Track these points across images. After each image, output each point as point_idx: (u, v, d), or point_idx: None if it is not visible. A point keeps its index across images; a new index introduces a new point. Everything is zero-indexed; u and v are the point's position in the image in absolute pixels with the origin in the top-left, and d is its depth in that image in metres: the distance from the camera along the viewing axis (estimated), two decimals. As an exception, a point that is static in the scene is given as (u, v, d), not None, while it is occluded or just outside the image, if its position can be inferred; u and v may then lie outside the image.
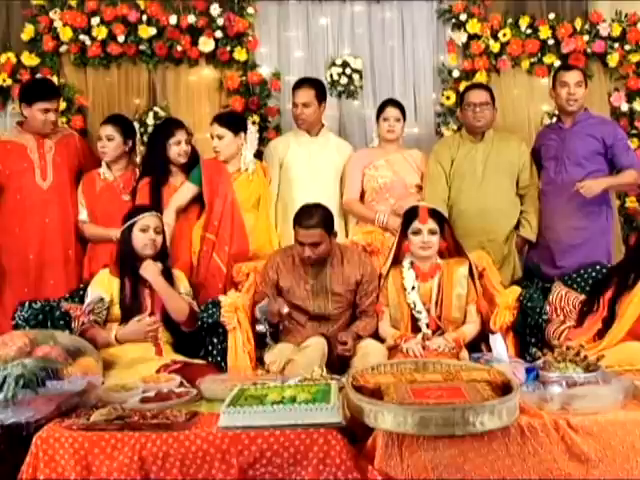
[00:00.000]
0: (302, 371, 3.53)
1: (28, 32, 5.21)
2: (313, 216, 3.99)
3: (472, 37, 5.39)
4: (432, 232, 4.09)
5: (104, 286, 3.98)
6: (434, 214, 4.15)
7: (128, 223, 4.07)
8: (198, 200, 4.60)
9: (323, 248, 4.01)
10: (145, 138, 5.03)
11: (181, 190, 4.58)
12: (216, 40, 5.27)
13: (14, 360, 3.09)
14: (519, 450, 2.94)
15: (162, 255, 4.13)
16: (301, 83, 4.87)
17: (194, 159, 4.67)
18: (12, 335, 3.36)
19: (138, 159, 4.82)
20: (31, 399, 3.01)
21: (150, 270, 4.00)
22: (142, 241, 4.01)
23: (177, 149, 4.56)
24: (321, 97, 4.86)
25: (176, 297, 4.03)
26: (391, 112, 4.77)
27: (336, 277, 4.10)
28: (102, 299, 3.93)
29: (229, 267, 4.47)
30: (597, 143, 4.62)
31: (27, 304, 3.99)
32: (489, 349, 3.72)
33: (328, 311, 4.10)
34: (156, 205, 4.35)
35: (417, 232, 4.10)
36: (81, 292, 4.16)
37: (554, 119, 5.12)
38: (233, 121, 4.63)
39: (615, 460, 2.96)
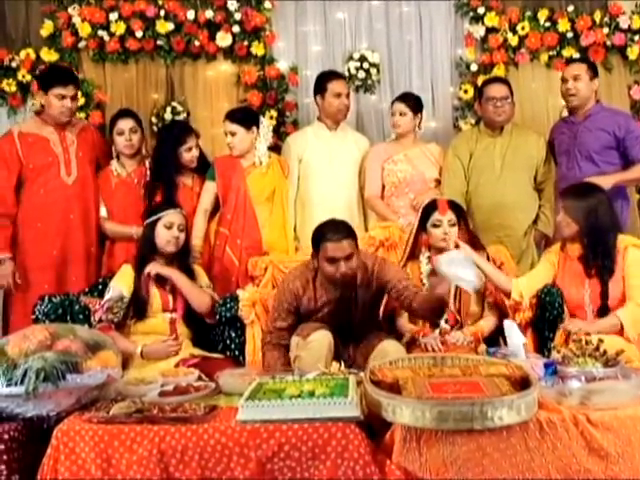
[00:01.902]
0: (319, 366, 3.52)
1: (47, 28, 5.24)
2: (340, 227, 3.81)
3: (490, 30, 5.37)
4: (452, 224, 4.09)
5: (127, 282, 3.98)
6: (452, 206, 4.14)
7: (152, 218, 4.07)
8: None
9: (355, 261, 3.78)
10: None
11: (203, 192, 4.63)
12: (233, 35, 5.28)
13: (35, 353, 3.10)
14: (538, 445, 2.91)
15: (184, 253, 4.13)
16: (337, 75, 4.93)
17: (201, 158, 4.71)
18: (33, 329, 3.36)
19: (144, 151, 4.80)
20: (52, 392, 3.03)
21: (161, 267, 4.01)
22: (165, 237, 4.01)
23: (188, 155, 4.60)
24: None
25: (197, 289, 4.04)
26: (396, 107, 4.82)
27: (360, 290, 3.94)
28: (122, 298, 3.90)
29: (242, 261, 4.47)
30: (608, 137, 4.59)
31: (47, 298, 4.00)
32: (507, 343, 3.69)
33: (353, 325, 3.94)
34: (171, 202, 4.37)
35: (437, 224, 4.09)
36: (100, 287, 4.17)
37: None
38: (244, 117, 4.64)
39: (635, 456, 2.93)
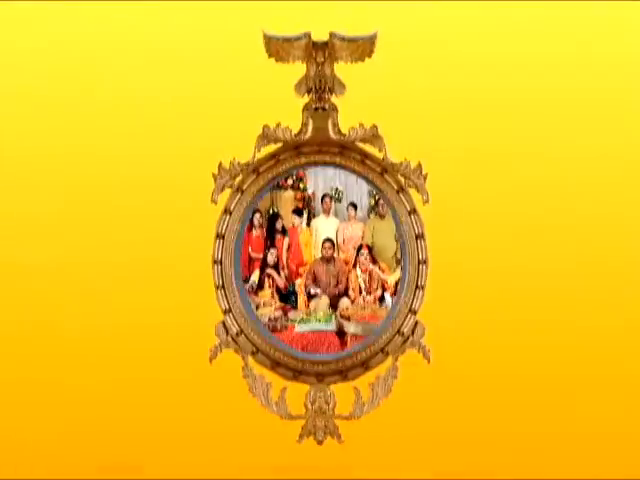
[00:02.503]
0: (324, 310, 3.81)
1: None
2: (328, 239, 4.14)
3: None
4: (368, 253, 4.22)
5: (257, 276, 4.19)
6: (368, 246, 4.25)
7: (266, 252, 4.28)
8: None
9: (332, 251, 4.12)
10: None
11: (284, 244, 4.65)
12: (293, 180, 5.18)
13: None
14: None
15: (276, 265, 4.30)
16: (329, 196, 4.70)
17: (283, 228, 4.78)
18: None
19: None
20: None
21: (270, 270, 4.20)
22: (270, 259, 4.20)
23: (279, 226, 4.68)
24: None
25: (281, 279, 4.15)
26: (349, 208, 4.61)
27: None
28: (255, 281, 4.16)
29: (297, 269, 4.50)
30: None
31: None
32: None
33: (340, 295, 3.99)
34: (273, 245, 4.51)
35: (362, 254, 4.22)
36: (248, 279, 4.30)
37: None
38: (298, 212, 4.71)
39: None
